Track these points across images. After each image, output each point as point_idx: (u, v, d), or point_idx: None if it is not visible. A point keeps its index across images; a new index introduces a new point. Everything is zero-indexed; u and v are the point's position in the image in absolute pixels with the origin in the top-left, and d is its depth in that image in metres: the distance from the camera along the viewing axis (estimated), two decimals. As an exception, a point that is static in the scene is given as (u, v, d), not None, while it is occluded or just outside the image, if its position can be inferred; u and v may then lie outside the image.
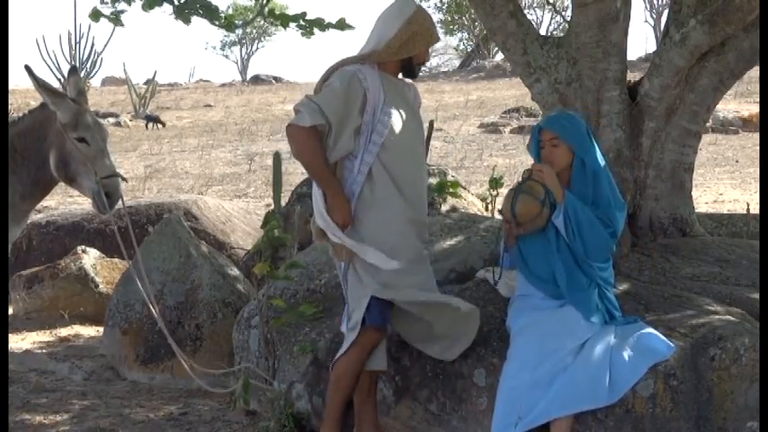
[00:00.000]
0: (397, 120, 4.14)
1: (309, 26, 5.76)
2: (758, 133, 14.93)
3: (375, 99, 4.10)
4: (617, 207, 4.26)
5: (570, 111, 4.91)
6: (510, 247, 4.30)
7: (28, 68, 4.60)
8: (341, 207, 4.10)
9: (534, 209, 4.15)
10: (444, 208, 6.81)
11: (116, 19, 5.67)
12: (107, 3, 5.71)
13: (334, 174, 4.15)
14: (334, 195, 4.11)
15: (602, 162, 4.30)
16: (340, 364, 4.20)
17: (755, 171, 13.16)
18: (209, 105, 29.92)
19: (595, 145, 4.32)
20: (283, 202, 5.50)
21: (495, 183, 6.75)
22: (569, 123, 4.30)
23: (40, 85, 4.53)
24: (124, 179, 4.73)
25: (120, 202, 4.65)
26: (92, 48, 28.86)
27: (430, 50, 4.32)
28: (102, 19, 5.67)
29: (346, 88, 4.07)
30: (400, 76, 4.30)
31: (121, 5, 5.68)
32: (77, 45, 28.77)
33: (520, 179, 4.34)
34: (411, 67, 4.25)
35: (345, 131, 4.08)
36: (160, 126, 23.65)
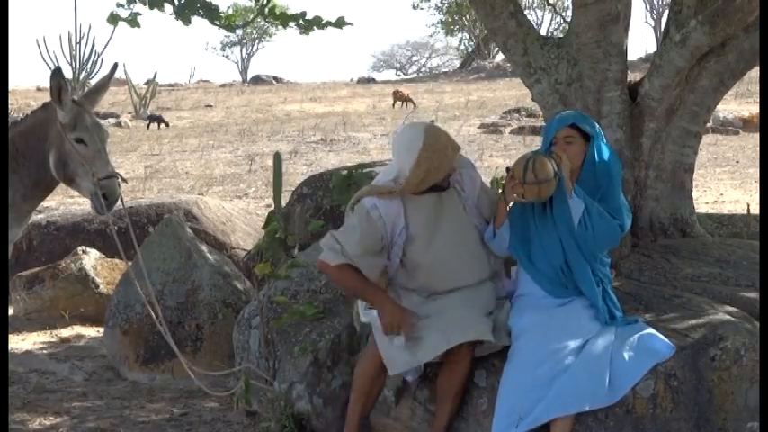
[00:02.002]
0: (417, 242, 4.22)
1: (308, 25, 5.78)
2: (758, 134, 14.91)
3: (392, 227, 4.20)
4: (623, 207, 4.29)
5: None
6: (507, 203, 4.28)
7: (57, 70, 4.55)
8: (392, 315, 4.13)
9: (549, 170, 4.14)
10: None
11: (133, 20, 5.69)
12: (123, 5, 5.73)
13: (376, 287, 4.24)
14: (382, 306, 4.18)
15: (613, 163, 4.32)
16: (358, 363, 4.30)
17: (756, 172, 13.14)
18: (210, 106, 29.91)
19: (607, 147, 4.34)
20: (283, 203, 5.49)
21: (496, 183, 6.72)
22: (590, 123, 4.36)
23: (59, 83, 4.49)
24: (124, 180, 4.72)
25: (119, 202, 4.65)
26: (92, 48, 28.92)
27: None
28: (104, 20, 5.70)
29: (364, 226, 4.20)
30: None
31: (137, 7, 5.71)
32: (78, 45, 28.81)
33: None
34: (438, 187, 4.27)
35: (371, 259, 4.20)
36: (164, 126, 23.61)
